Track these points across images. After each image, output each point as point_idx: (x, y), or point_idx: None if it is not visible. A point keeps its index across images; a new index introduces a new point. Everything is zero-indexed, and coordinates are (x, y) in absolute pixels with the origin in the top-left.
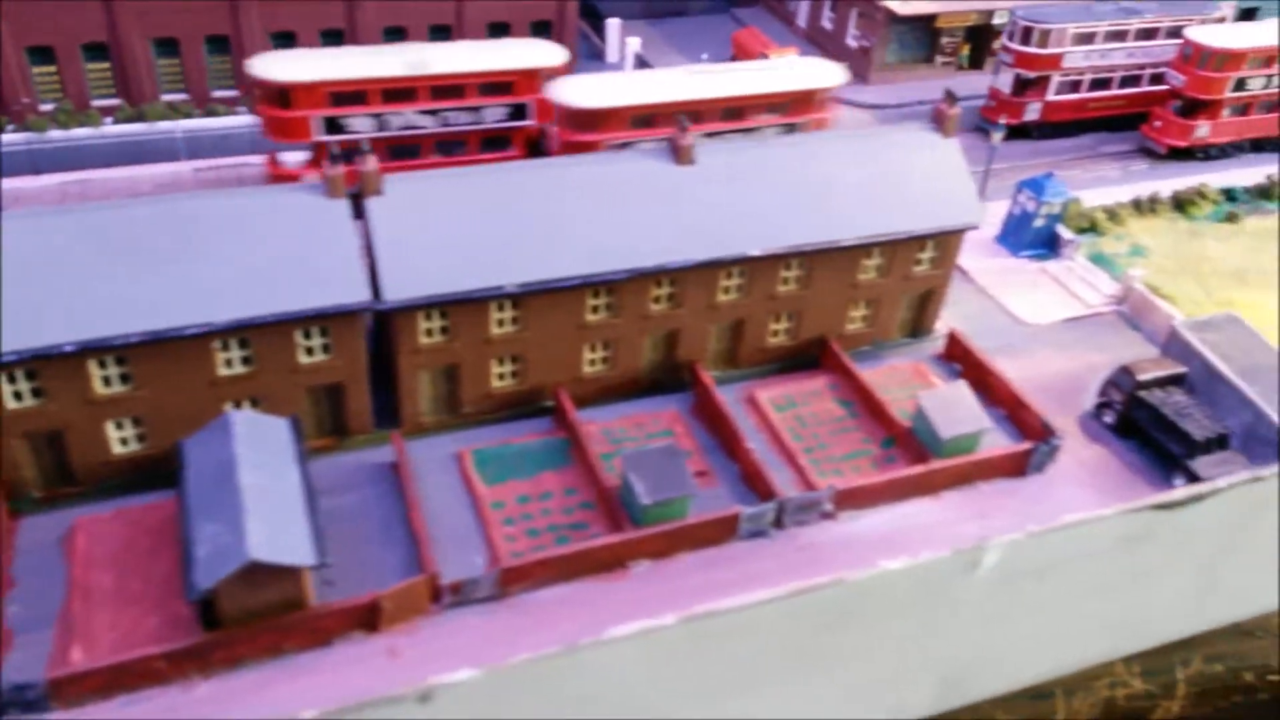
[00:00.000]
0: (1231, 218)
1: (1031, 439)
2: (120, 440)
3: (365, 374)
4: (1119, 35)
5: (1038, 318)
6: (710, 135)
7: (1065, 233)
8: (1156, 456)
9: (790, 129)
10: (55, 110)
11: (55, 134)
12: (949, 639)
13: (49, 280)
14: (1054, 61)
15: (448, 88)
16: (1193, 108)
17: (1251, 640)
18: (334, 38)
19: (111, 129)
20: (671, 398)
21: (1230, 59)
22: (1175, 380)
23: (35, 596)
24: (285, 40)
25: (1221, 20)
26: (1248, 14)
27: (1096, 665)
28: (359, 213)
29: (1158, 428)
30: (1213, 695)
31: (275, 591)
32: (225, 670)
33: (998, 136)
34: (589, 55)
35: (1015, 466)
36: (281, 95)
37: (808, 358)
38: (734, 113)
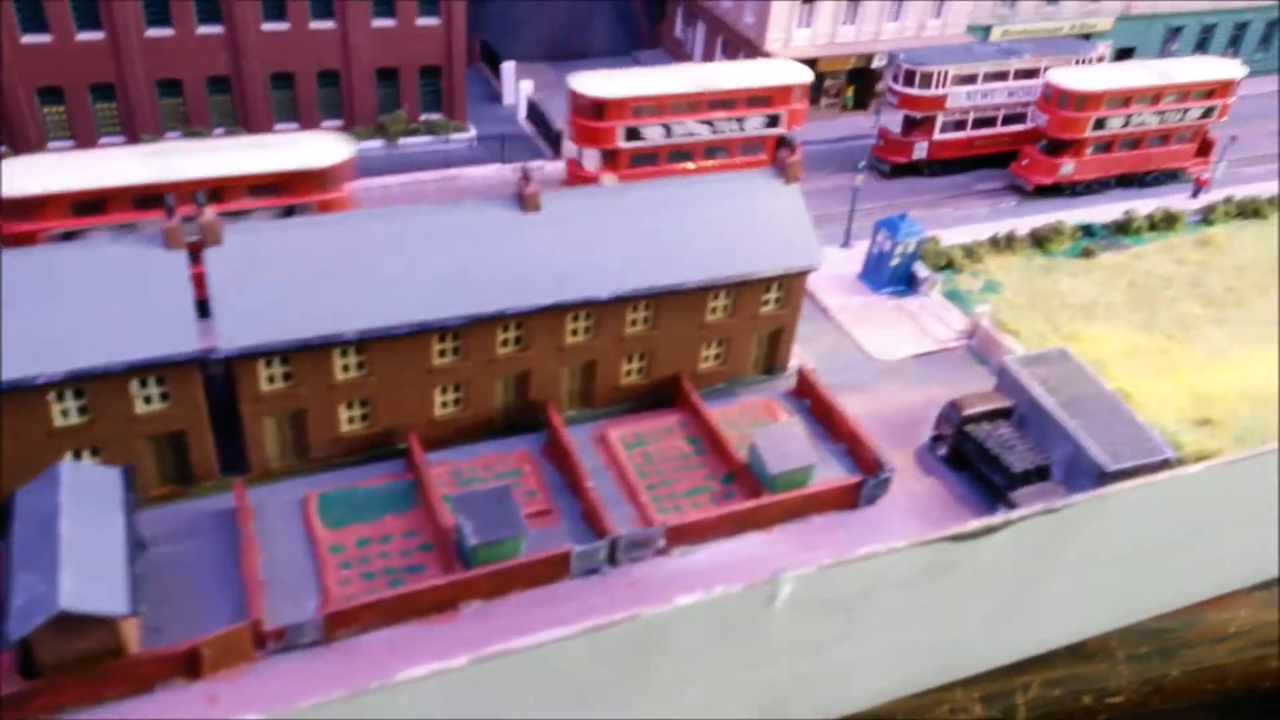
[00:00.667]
0: (1086, 253)
1: (867, 472)
2: None
3: (206, 422)
4: (999, 76)
5: (889, 353)
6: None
7: (922, 270)
8: (983, 488)
9: (289, 211)
10: None
11: None
12: (764, 669)
13: None
14: (937, 102)
15: (723, 101)
16: (1058, 146)
17: (1090, 664)
18: (220, 83)
19: None
20: (525, 438)
21: (1089, 100)
22: (1002, 414)
23: None
24: (170, 86)
25: (1101, 59)
26: (1124, 53)
27: (933, 691)
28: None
29: (982, 460)
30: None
31: (92, 640)
32: (47, 718)
33: (859, 179)
34: (489, 98)
35: (847, 499)
36: (595, 108)
37: (662, 396)
38: (214, 195)
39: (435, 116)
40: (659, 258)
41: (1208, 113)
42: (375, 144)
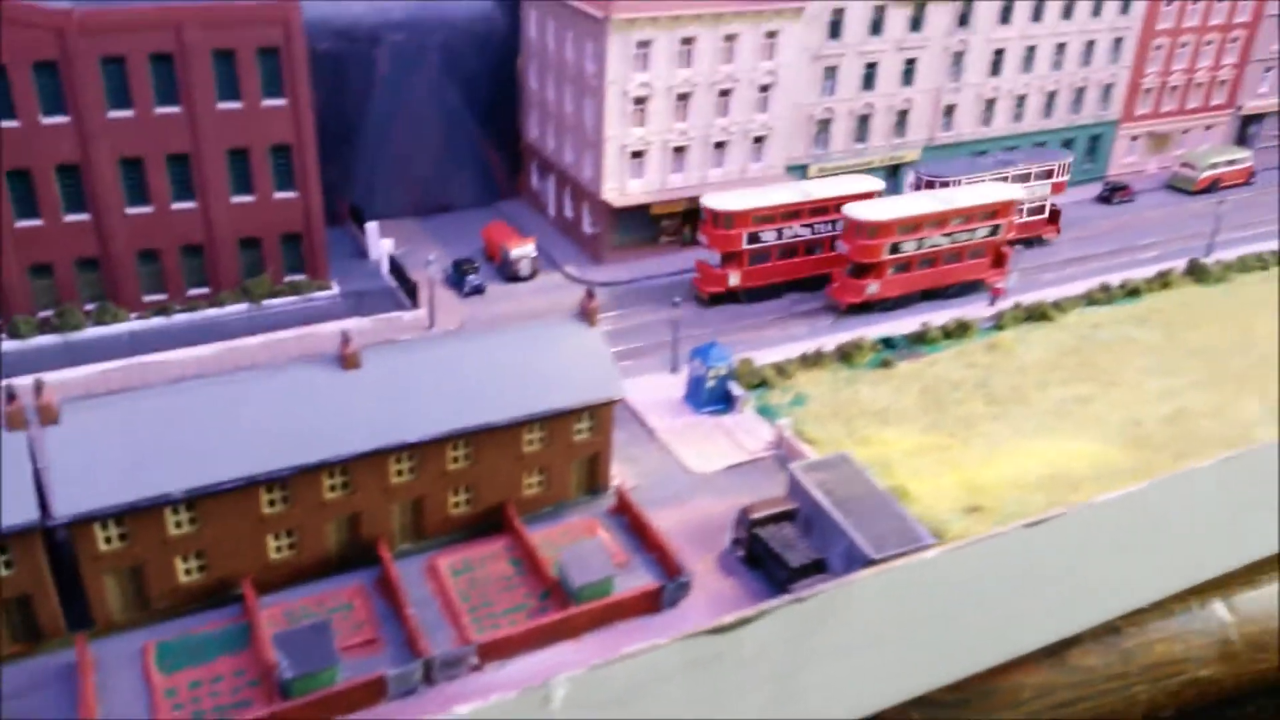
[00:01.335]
0: (885, 363)
1: (670, 578)
2: None
3: (50, 584)
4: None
5: (705, 467)
6: None
7: (737, 389)
8: (772, 585)
9: None
10: None
11: None
12: None
13: None
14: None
15: (817, 209)
16: (862, 269)
17: None
18: (89, 263)
19: None
20: (360, 573)
21: (881, 228)
22: (787, 516)
23: None
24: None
25: (1066, 168)
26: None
27: None
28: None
29: (768, 558)
30: None
31: None
32: None
33: (677, 313)
34: (357, 255)
35: (650, 604)
36: (725, 219)
37: (491, 523)
38: None
39: (299, 277)
40: (474, 401)
41: (994, 230)
42: (240, 307)
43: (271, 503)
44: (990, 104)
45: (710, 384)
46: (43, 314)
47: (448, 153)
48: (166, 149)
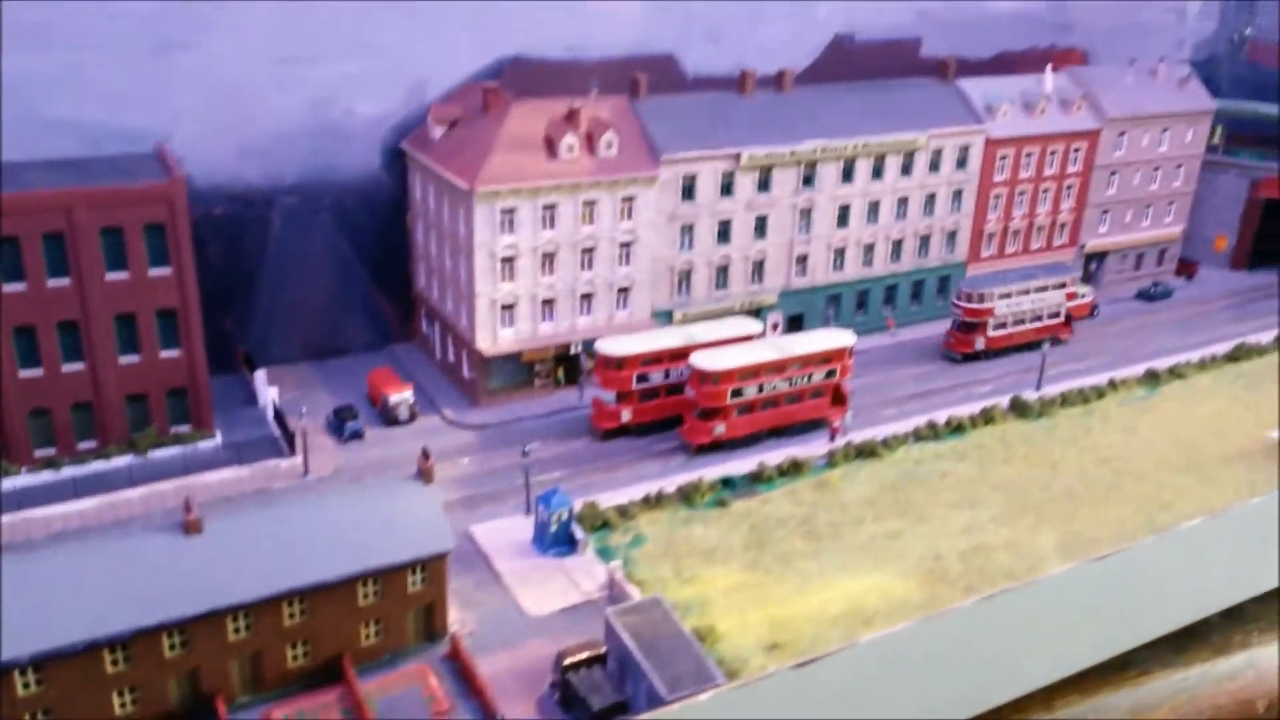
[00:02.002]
0: (722, 503)
1: None
2: None
3: None
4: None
5: (542, 609)
6: None
7: (579, 532)
8: None
9: None
10: None
11: None
12: None
13: None
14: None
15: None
16: (709, 413)
17: None
18: None
19: None
20: None
21: (723, 376)
22: (598, 659)
23: None
24: None
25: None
26: (795, 320)
27: None
28: None
29: (575, 701)
30: None
31: None
32: None
33: (530, 456)
34: (248, 401)
35: None
36: (616, 363)
37: (331, 673)
38: None
39: (184, 429)
40: (310, 559)
41: (830, 374)
42: (126, 459)
43: (115, 662)
44: (840, 252)
45: (553, 528)
46: None
47: (341, 301)
48: (58, 317)
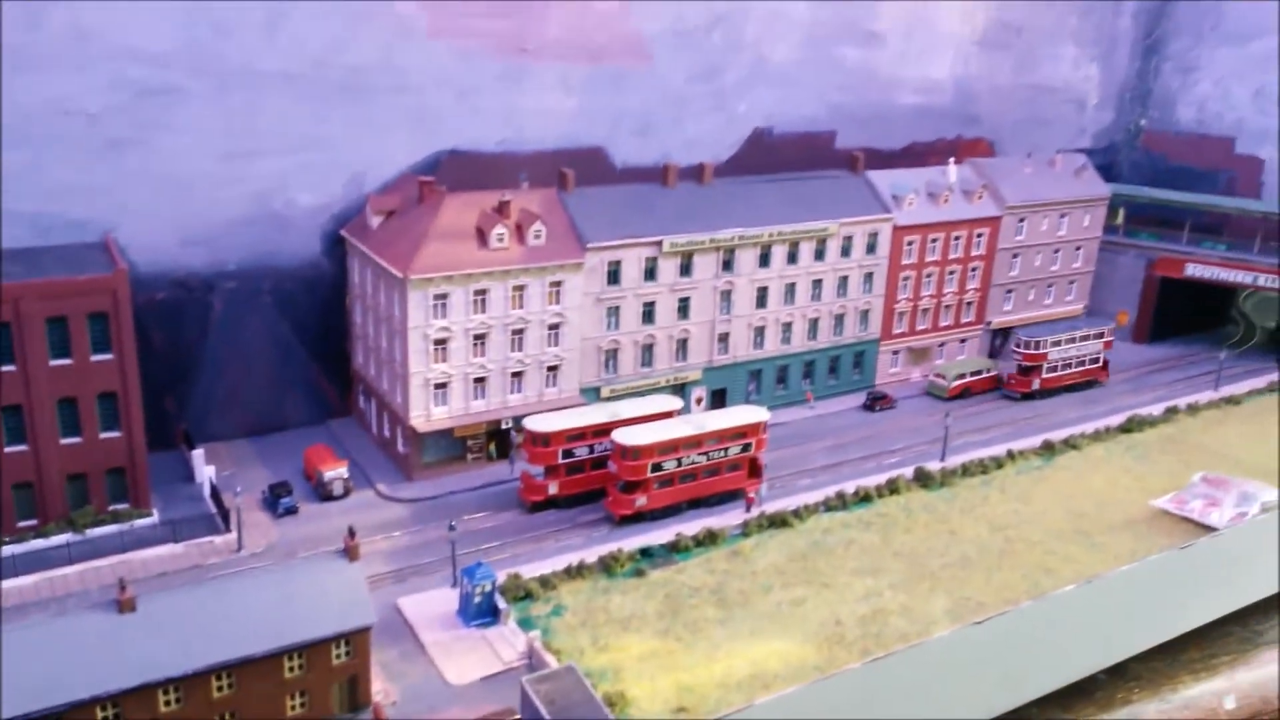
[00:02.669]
0: (639, 572)
1: None
2: None
3: None
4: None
5: (463, 679)
6: None
7: (502, 603)
8: None
9: None
10: None
11: None
12: None
13: None
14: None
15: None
16: (631, 485)
17: None
18: None
19: None
20: None
21: (643, 451)
22: None
23: None
24: None
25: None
26: (718, 394)
27: None
28: None
29: None
30: None
31: None
32: None
33: (457, 530)
34: (187, 479)
35: None
36: (543, 439)
37: None
38: None
39: (123, 506)
40: (237, 635)
41: (746, 447)
42: (65, 536)
43: None
44: (760, 331)
45: (477, 599)
46: None
47: (280, 380)
48: (3, 402)
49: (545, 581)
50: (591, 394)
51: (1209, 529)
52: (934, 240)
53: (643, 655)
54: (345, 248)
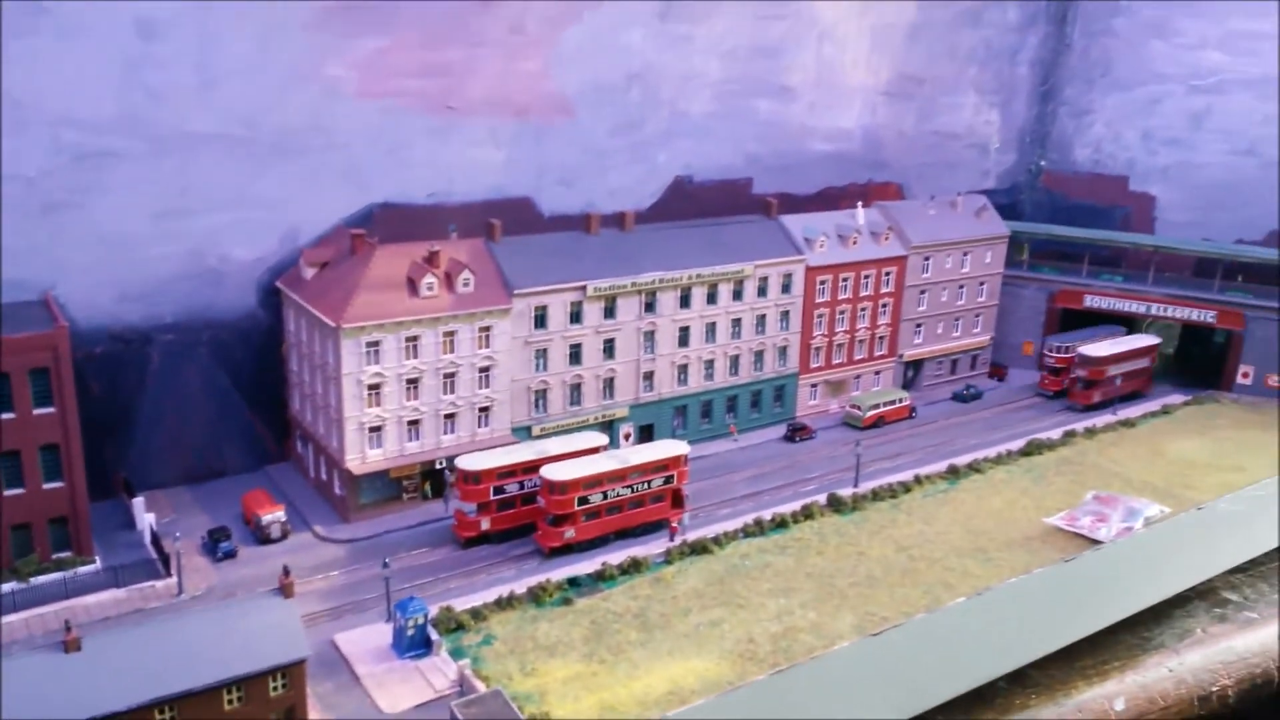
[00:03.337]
0: (567, 601)
1: None
2: None
3: None
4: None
5: (397, 708)
6: None
7: (434, 635)
8: None
9: None
10: None
11: None
12: None
13: None
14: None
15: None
16: (559, 519)
17: None
18: None
19: None
20: None
21: (569, 485)
22: None
23: None
24: None
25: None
26: (646, 429)
27: None
28: None
29: None
30: None
31: None
32: None
33: (390, 567)
34: (128, 526)
35: None
36: (474, 477)
37: None
38: None
39: (66, 554)
40: (179, 670)
41: (668, 479)
42: (9, 585)
43: None
44: (683, 368)
45: (410, 632)
46: None
47: (218, 427)
48: None
49: (476, 613)
50: (523, 433)
51: (1096, 542)
52: (845, 279)
53: (567, 678)
54: (281, 298)
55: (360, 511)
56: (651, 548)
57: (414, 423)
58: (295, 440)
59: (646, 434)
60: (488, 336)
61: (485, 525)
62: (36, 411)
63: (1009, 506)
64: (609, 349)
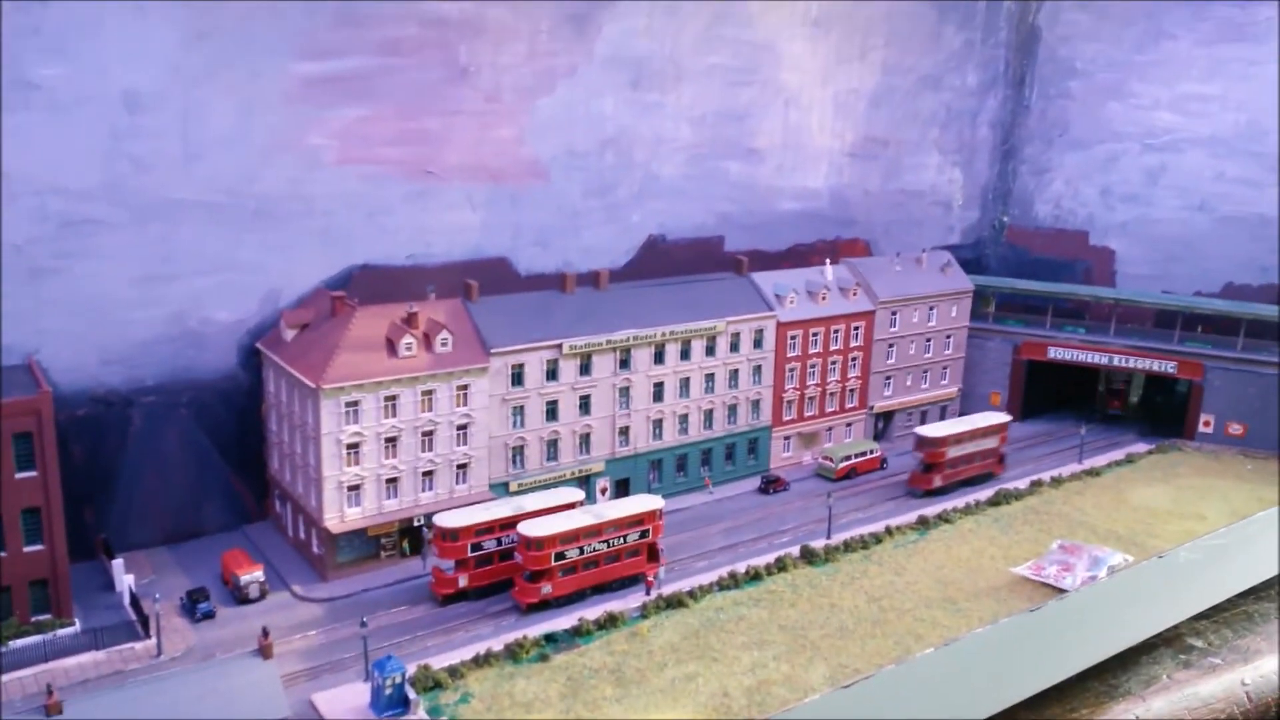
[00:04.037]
0: (543, 657)
1: None
2: None
3: None
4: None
5: None
6: None
7: (412, 693)
8: None
9: None
10: None
11: None
12: None
13: None
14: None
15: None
16: (536, 575)
17: None
18: None
19: None
20: None
21: (545, 541)
22: None
23: None
24: None
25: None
26: (622, 483)
27: None
28: None
29: None
30: None
31: None
32: None
33: (368, 626)
34: (107, 587)
35: None
36: (451, 534)
37: None
38: None
39: (45, 617)
40: None
41: (644, 534)
42: None
43: None
44: (658, 423)
45: (388, 691)
46: None
47: (197, 487)
48: None
49: (454, 671)
50: (501, 489)
51: (1062, 591)
52: (815, 334)
53: None
54: (261, 359)
55: (338, 570)
56: (628, 602)
57: (392, 481)
58: (274, 499)
59: (623, 488)
60: (465, 395)
61: (463, 582)
62: (19, 475)
63: (977, 555)
64: (585, 405)
